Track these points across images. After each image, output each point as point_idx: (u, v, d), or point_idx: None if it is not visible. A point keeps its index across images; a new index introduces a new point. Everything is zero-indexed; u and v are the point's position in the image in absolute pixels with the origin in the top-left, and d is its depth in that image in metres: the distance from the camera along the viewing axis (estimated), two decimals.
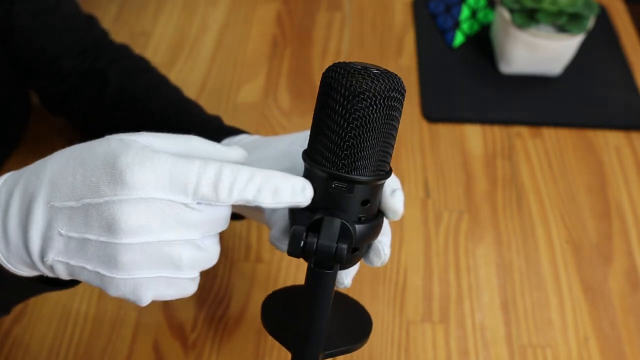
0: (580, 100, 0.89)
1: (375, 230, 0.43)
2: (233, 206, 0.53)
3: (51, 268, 0.39)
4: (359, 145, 0.39)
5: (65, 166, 0.38)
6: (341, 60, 0.40)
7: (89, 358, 0.64)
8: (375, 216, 0.43)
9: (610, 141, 0.85)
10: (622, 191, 0.80)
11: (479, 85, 0.91)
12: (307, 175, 0.41)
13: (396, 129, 0.41)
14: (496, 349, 0.66)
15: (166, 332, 0.65)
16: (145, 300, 0.39)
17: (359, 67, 0.39)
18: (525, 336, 0.67)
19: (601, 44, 0.97)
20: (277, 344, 0.63)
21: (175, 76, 0.90)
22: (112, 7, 1.02)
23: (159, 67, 0.77)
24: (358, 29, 1.00)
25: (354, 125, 0.38)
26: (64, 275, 0.39)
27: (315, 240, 0.39)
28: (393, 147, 0.42)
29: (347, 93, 0.38)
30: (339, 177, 0.39)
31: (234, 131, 0.62)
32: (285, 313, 0.46)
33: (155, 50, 0.95)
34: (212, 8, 1.03)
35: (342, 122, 0.38)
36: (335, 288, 0.44)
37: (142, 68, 0.74)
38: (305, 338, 0.41)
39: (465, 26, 0.97)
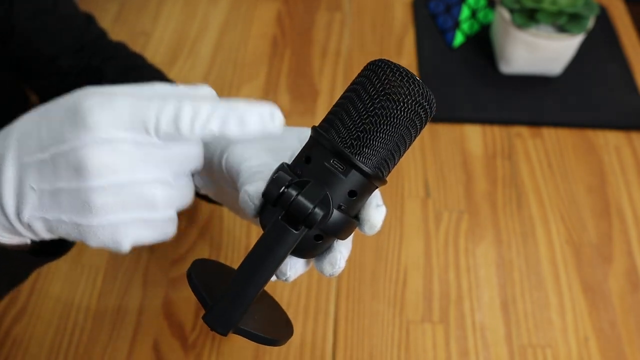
0: (580, 100, 0.89)
1: (348, 227, 0.41)
2: (211, 189, 0.52)
3: (29, 227, 0.39)
4: (374, 133, 0.39)
5: (31, 122, 0.39)
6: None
7: (89, 358, 0.64)
8: (352, 217, 0.42)
9: (610, 141, 0.85)
10: (622, 191, 0.80)
11: (479, 85, 0.91)
12: (309, 145, 0.41)
13: (411, 140, 0.41)
14: (496, 349, 0.66)
15: (166, 332, 0.65)
16: (126, 245, 0.39)
17: (405, 69, 0.40)
18: (525, 336, 0.67)
19: (601, 44, 0.97)
20: None
21: (175, 76, 0.90)
22: (112, 6, 1.02)
23: (159, 67, 0.77)
24: (358, 29, 1.00)
25: (379, 112, 0.39)
26: (43, 232, 0.39)
27: (295, 193, 0.38)
28: (399, 157, 0.42)
29: (385, 79, 0.39)
30: (342, 154, 0.39)
31: None
32: (217, 274, 0.44)
33: (155, 50, 0.95)
34: (212, 8, 1.03)
35: (369, 104, 0.39)
36: (275, 279, 0.43)
37: (137, 64, 0.74)
38: (237, 293, 0.38)
39: (465, 26, 0.97)
